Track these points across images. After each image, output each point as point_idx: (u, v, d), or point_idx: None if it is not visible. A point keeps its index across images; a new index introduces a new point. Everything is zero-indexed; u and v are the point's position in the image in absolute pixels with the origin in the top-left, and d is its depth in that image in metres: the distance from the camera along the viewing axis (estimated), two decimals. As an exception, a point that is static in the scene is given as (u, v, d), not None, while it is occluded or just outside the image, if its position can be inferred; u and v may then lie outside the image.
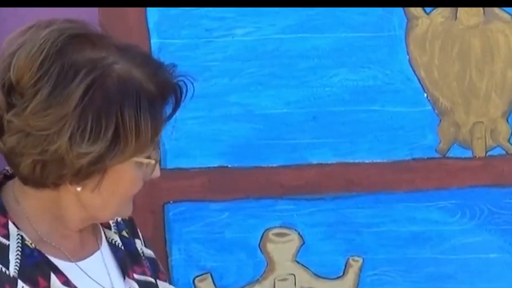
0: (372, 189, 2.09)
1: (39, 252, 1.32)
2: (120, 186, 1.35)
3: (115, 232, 1.50)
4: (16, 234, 1.32)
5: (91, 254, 1.43)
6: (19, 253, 1.30)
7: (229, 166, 2.10)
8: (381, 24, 2.04)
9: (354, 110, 2.08)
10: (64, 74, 1.26)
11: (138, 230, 1.59)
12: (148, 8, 2.03)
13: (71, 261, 1.38)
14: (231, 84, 2.08)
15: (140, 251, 1.54)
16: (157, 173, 1.39)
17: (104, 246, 1.47)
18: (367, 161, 2.09)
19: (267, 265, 2.13)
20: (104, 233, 1.49)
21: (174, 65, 1.36)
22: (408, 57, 2.06)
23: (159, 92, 1.31)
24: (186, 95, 1.38)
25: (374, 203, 2.10)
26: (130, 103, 1.27)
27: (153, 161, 1.35)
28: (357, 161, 2.09)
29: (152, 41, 2.04)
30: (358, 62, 2.06)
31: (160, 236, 2.10)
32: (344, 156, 2.10)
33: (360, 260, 2.13)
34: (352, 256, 2.13)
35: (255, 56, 2.06)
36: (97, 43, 1.31)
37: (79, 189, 1.32)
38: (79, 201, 1.34)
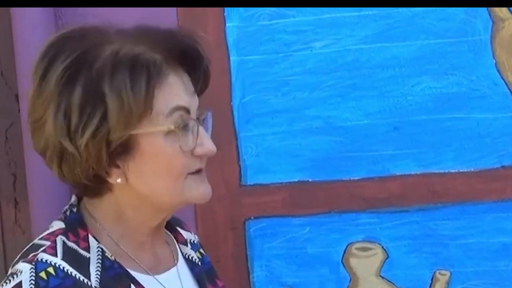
0: (458, 200, 1.92)
1: (119, 264, 1.28)
2: (158, 164, 1.25)
3: (191, 249, 1.46)
4: (96, 247, 1.28)
5: (168, 269, 1.38)
6: (99, 265, 1.26)
7: (310, 180, 1.96)
8: (464, 28, 1.89)
9: (438, 119, 1.91)
10: (49, 63, 1.24)
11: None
12: (227, 25, 1.95)
13: (149, 274, 1.32)
14: (310, 98, 1.94)
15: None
16: (206, 147, 1.29)
17: (181, 262, 1.42)
18: (453, 171, 1.92)
19: (350, 280, 1.98)
20: (180, 249, 1.44)
21: (184, 28, 1.31)
22: (494, 61, 1.88)
23: (165, 59, 1.24)
24: (204, 56, 1.31)
25: (461, 214, 1.92)
26: (107, 74, 1.20)
27: (172, 127, 1.24)
28: (442, 171, 1.92)
29: (231, 58, 1.95)
30: (441, 69, 1.90)
31: (241, 253, 1.99)
32: (428, 167, 1.92)
33: (448, 273, 1.95)
34: (439, 269, 1.95)
35: (335, 68, 1.93)
36: (95, 33, 1.27)
37: (119, 180, 1.26)
38: (133, 194, 1.28)
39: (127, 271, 1.28)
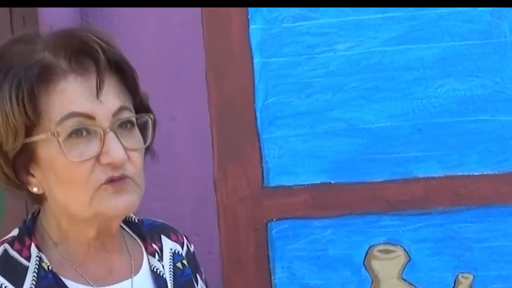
0: (482, 203, 1.87)
1: (54, 274, 1.23)
2: (57, 172, 1.19)
3: (159, 260, 1.35)
4: (35, 256, 1.24)
5: (121, 281, 1.29)
6: (35, 275, 1.22)
7: (333, 182, 1.93)
8: (489, 30, 1.85)
9: (462, 121, 1.87)
10: None
11: (201, 270, 1.46)
12: (250, 27, 1.93)
13: (92, 286, 1.26)
14: (333, 100, 1.91)
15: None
16: (111, 156, 1.18)
17: (143, 274, 1.33)
18: (477, 173, 1.87)
19: (372, 282, 1.94)
20: (148, 260, 1.35)
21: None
22: None
23: (68, 62, 1.17)
24: (101, 53, 1.19)
25: (485, 217, 1.88)
26: (2, 86, 1.17)
27: (49, 135, 1.17)
28: (466, 173, 1.88)
29: (255, 60, 1.93)
30: (465, 71, 1.86)
31: (263, 254, 1.95)
32: (452, 169, 1.88)
33: (471, 277, 1.90)
34: (462, 273, 1.90)
35: (358, 70, 1.90)
36: (24, 40, 1.22)
37: (35, 189, 1.23)
38: (56, 205, 1.24)
39: (62, 281, 1.23)
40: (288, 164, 1.92)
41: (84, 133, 1.18)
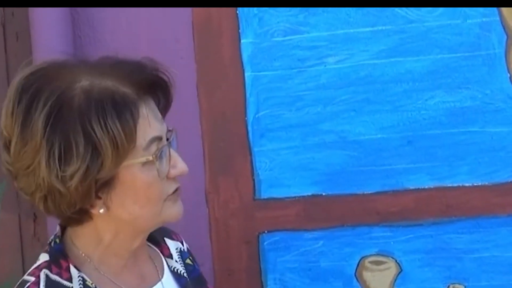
0: (472, 214, 1.85)
1: None
2: (138, 192, 1.26)
3: (177, 261, 1.44)
4: (77, 276, 1.28)
5: (153, 285, 1.37)
6: None
7: (324, 194, 1.91)
8: (478, 43, 1.83)
9: (452, 133, 1.85)
10: (27, 110, 1.21)
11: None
12: (241, 41, 1.92)
13: None
14: (324, 112, 1.90)
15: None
16: (179, 168, 1.30)
17: (167, 276, 1.41)
18: (467, 185, 1.86)
19: None
20: (167, 262, 1.43)
21: (151, 59, 1.28)
22: (508, 75, 1.82)
23: (136, 91, 1.24)
24: (171, 85, 1.31)
25: (475, 228, 1.86)
26: (94, 114, 1.20)
27: (150, 158, 1.25)
28: (456, 185, 1.86)
29: (246, 74, 1.92)
30: (454, 83, 1.85)
31: (255, 266, 1.94)
32: (442, 180, 1.86)
33: (462, 287, 1.88)
34: (453, 283, 1.88)
35: (348, 83, 1.89)
36: (61, 71, 1.24)
37: (101, 211, 1.26)
38: (112, 220, 1.28)
39: None
40: (279, 177, 1.91)
41: (159, 154, 1.26)
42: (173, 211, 1.31)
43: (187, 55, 1.91)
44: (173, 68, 1.91)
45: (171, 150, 1.29)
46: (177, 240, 1.51)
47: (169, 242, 1.48)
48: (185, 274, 1.43)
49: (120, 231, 1.29)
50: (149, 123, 1.25)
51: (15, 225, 2.02)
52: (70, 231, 1.33)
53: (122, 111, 1.20)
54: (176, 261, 1.44)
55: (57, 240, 1.32)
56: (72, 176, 1.19)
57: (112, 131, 1.19)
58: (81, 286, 1.27)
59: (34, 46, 1.87)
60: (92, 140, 1.19)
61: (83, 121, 1.19)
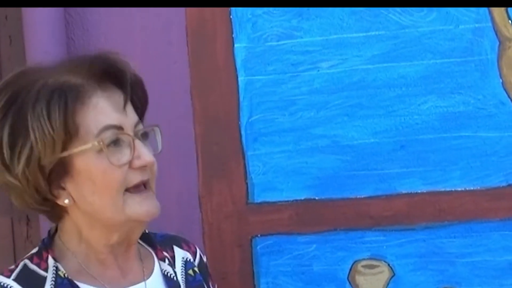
0: (465, 218, 1.85)
1: (70, 281, 1.32)
2: (94, 180, 1.29)
3: (169, 265, 1.45)
4: (52, 266, 1.33)
5: (133, 284, 1.38)
6: (53, 283, 1.32)
7: (317, 198, 1.91)
8: (471, 48, 1.84)
9: (444, 137, 1.85)
10: None
11: (213, 281, 1.55)
12: (235, 46, 1.92)
13: None
14: (317, 117, 1.90)
15: None
16: (143, 159, 1.31)
17: (155, 278, 1.42)
18: (459, 189, 1.86)
19: None
20: (160, 265, 1.44)
21: (113, 52, 1.32)
22: (501, 80, 1.83)
23: (88, 82, 1.28)
24: (136, 79, 1.35)
25: (468, 232, 1.86)
26: (30, 104, 1.26)
27: (96, 144, 1.27)
28: (448, 189, 1.86)
29: (239, 78, 1.92)
30: (447, 89, 1.85)
31: (248, 270, 1.94)
32: (435, 185, 1.87)
33: None
34: (445, 287, 1.88)
35: (341, 88, 1.89)
36: (33, 73, 1.31)
37: (66, 201, 1.30)
38: (85, 215, 1.32)
39: (77, 285, 1.32)
40: (272, 181, 1.91)
41: (119, 142, 1.29)
42: (139, 209, 1.31)
43: (180, 59, 1.91)
44: (167, 72, 1.93)
45: (137, 141, 1.31)
46: (188, 251, 1.52)
47: (177, 250, 1.50)
48: (175, 278, 1.43)
49: (93, 225, 1.33)
50: (103, 111, 1.28)
51: (8, 228, 2.02)
52: (59, 228, 1.38)
53: (54, 101, 1.25)
54: (169, 265, 1.45)
55: (48, 236, 1.38)
56: (16, 165, 1.26)
57: (40, 121, 1.24)
58: (54, 275, 1.32)
59: (28, 49, 1.87)
60: (26, 131, 1.25)
61: (21, 114, 1.26)
